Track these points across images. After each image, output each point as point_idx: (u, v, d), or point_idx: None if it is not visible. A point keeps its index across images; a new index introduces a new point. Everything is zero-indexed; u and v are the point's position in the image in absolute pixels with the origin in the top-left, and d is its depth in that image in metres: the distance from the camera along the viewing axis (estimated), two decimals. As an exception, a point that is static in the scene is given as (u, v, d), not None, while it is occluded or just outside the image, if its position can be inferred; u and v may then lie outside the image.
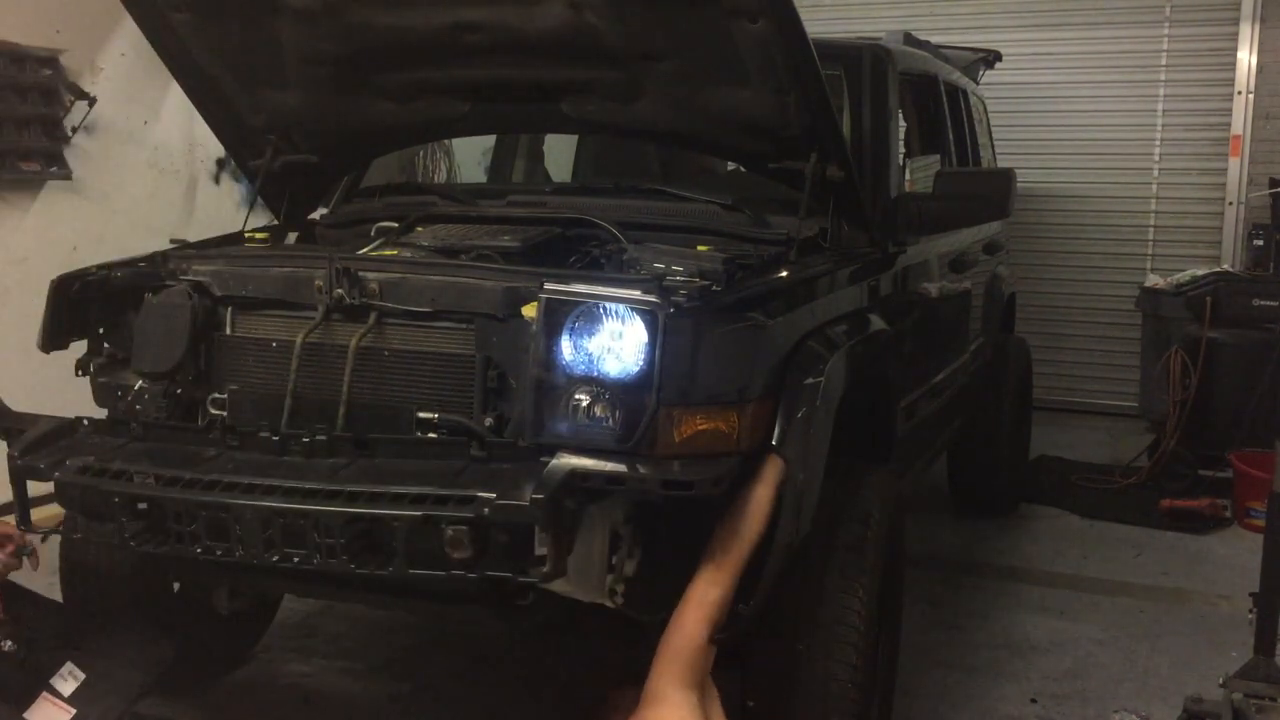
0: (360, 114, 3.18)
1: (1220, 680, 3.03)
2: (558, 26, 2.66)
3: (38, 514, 2.53)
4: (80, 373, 2.78)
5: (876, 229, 3.25)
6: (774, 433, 2.33)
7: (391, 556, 2.15)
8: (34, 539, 2.74)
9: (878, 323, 3.02)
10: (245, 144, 3.36)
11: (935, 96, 4.36)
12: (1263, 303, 5.71)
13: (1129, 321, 6.73)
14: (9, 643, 2.76)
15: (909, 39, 4.58)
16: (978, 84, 5.75)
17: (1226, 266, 6.66)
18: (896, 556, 2.89)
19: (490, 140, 4.65)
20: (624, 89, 2.88)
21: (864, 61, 3.59)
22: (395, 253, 2.76)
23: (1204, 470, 5.57)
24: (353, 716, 3.38)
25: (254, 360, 2.62)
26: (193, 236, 3.30)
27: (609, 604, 2.33)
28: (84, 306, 2.75)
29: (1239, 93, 6.91)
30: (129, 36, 4.60)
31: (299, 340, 2.49)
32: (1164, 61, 7.08)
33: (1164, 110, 7.12)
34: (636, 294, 2.22)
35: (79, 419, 2.54)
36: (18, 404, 2.68)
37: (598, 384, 2.20)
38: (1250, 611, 3.15)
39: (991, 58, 6.28)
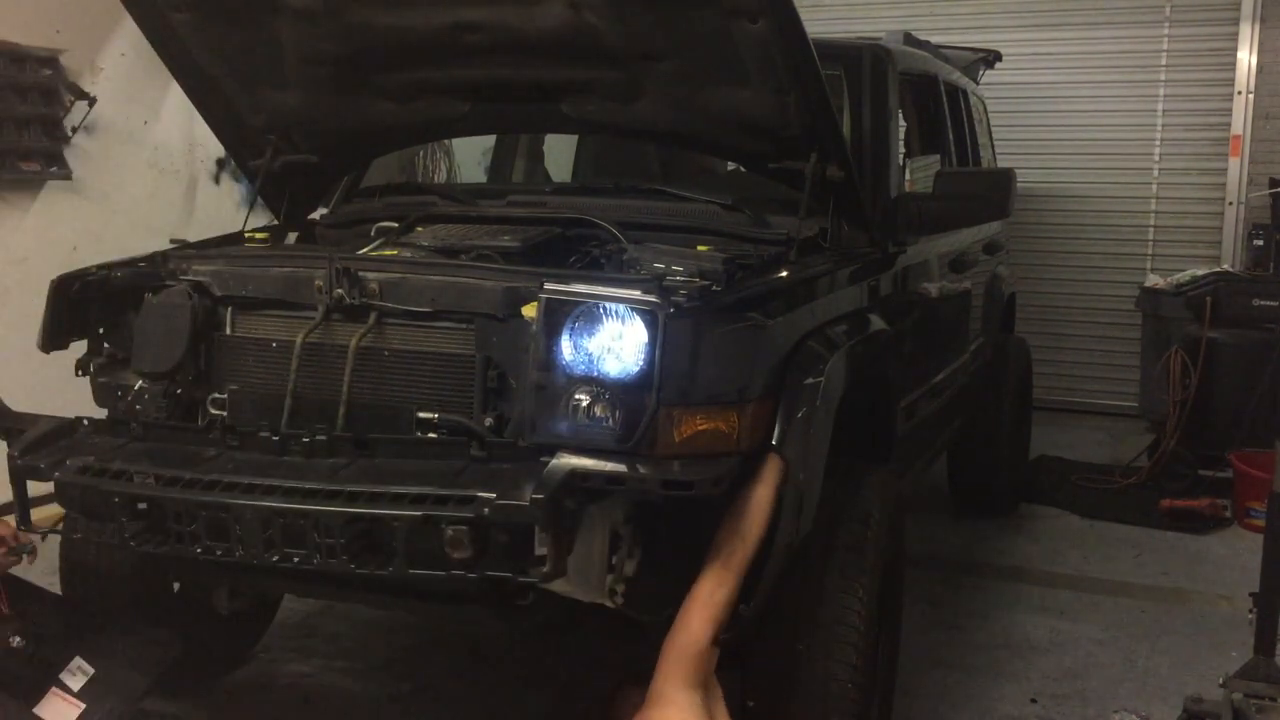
0: (360, 114, 3.18)
1: (1220, 680, 3.04)
2: (558, 26, 2.66)
3: (38, 514, 2.53)
4: (80, 373, 2.78)
5: (876, 229, 3.25)
6: (774, 433, 2.33)
7: (391, 556, 2.15)
8: (35, 539, 2.74)
9: (878, 323, 3.02)
10: (245, 144, 3.36)
11: (935, 96, 4.36)
12: (1263, 303, 5.71)
13: (1129, 321, 6.72)
14: (17, 639, 2.77)
15: (909, 39, 4.58)
16: (978, 84, 5.75)
17: (1226, 266, 6.66)
18: (896, 556, 2.89)
19: (490, 140, 4.65)
20: (624, 89, 2.88)
21: (864, 61, 3.59)
22: (395, 253, 2.76)
23: (1204, 470, 5.57)
24: (353, 716, 3.38)
25: (254, 360, 2.62)
26: (193, 236, 3.30)
27: (609, 604, 2.33)
28: (84, 306, 2.75)
29: (1239, 93, 6.91)
30: (129, 36, 4.60)
31: (299, 340, 2.49)
32: (1164, 61, 7.08)
33: (1164, 110, 7.12)
34: (636, 294, 2.22)
35: (79, 419, 2.54)
36: (18, 404, 2.68)
37: (598, 384, 2.20)
38: (1250, 611, 3.15)
39: (991, 58, 6.28)
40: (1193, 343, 5.70)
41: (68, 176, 4.92)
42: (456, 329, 2.44)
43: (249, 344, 2.64)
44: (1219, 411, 5.66)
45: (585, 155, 4.64)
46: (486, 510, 2.09)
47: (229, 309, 2.67)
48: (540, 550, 2.12)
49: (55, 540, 2.75)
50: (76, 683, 2.78)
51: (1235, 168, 6.95)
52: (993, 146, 5.58)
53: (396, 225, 3.07)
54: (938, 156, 4.25)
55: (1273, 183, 6.67)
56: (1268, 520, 3.09)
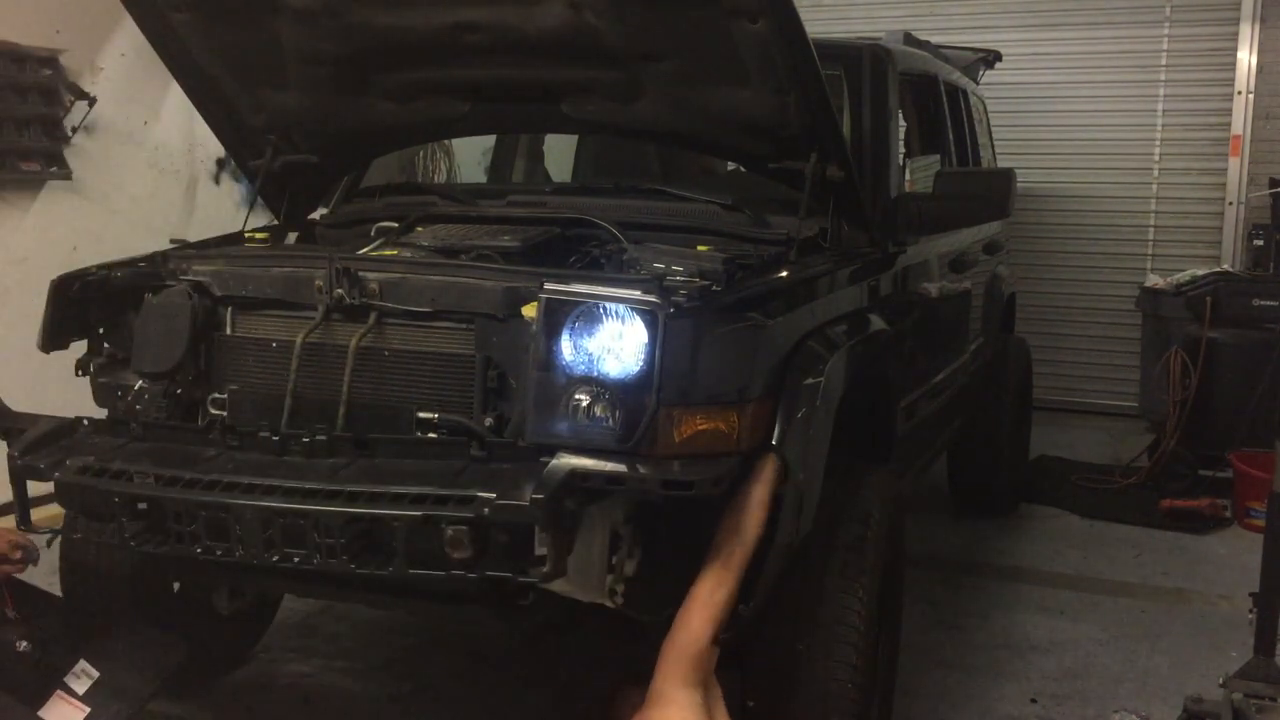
0: (360, 114, 3.18)
1: (1220, 680, 3.04)
2: (558, 26, 2.66)
3: (38, 514, 2.53)
4: (80, 373, 2.78)
5: (876, 229, 3.25)
6: (774, 433, 2.33)
7: (391, 556, 2.15)
8: (38, 540, 2.74)
9: (878, 323, 3.02)
10: (245, 144, 3.36)
11: (935, 96, 4.36)
12: (1263, 303, 5.70)
13: (1129, 321, 6.72)
14: (24, 643, 2.77)
15: (909, 39, 4.57)
16: (978, 84, 5.75)
17: (1226, 266, 6.66)
18: (896, 556, 2.89)
19: (490, 140, 4.64)
20: (624, 89, 2.88)
21: (864, 61, 3.59)
22: (395, 253, 2.76)
23: (1204, 470, 5.57)
24: (353, 716, 3.38)
25: (254, 360, 2.62)
26: (193, 236, 3.30)
27: (609, 604, 2.33)
28: (84, 306, 2.75)
29: (1239, 93, 6.91)
30: (129, 36, 4.60)
31: (299, 340, 2.49)
32: (1164, 61, 7.08)
33: (1164, 110, 7.12)
34: (636, 294, 2.22)
35: (79, 419, 2.54)
36: (18, 404, 2.68)
37: (598, 384, 2.20)
38: (1250, 611, 3.15)
39: (991, 58, 6.28)
40: (1193, 343, 5.69)
41: (68, 176, 4.92)
42: (456, 329, 2.44)
43: (249, 344, 2.64)
44: (1219, 411, 5.66)
45: (585, 155, 4.64)
46: (486, 510, 2.09)
47: (229, 309, 2.67)
48: (540, 550, 2.12)
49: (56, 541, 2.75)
50: (81, 686, 2.78)
51: (1235, 168, 6.95)
52: (993, 146, 5.58)
53: (396, 225, 3.07)
54: (938, 156, 4.25)
55: (1273, 183, 6.67)
56: (1268, 520, 3.09)
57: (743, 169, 3.92)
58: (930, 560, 4.62)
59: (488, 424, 2.35)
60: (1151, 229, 7.23)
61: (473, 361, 2.39)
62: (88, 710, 2.76)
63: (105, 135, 5.11)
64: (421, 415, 2.40)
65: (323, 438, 2.32)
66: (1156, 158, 7.18)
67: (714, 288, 2.38)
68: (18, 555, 2.86)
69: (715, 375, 2.26)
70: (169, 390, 2.63)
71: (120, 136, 5.20)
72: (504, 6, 2.68)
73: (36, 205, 4.86)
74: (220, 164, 5.68)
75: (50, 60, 4.80)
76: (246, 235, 3.20)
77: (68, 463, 2.38)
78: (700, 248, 2.78)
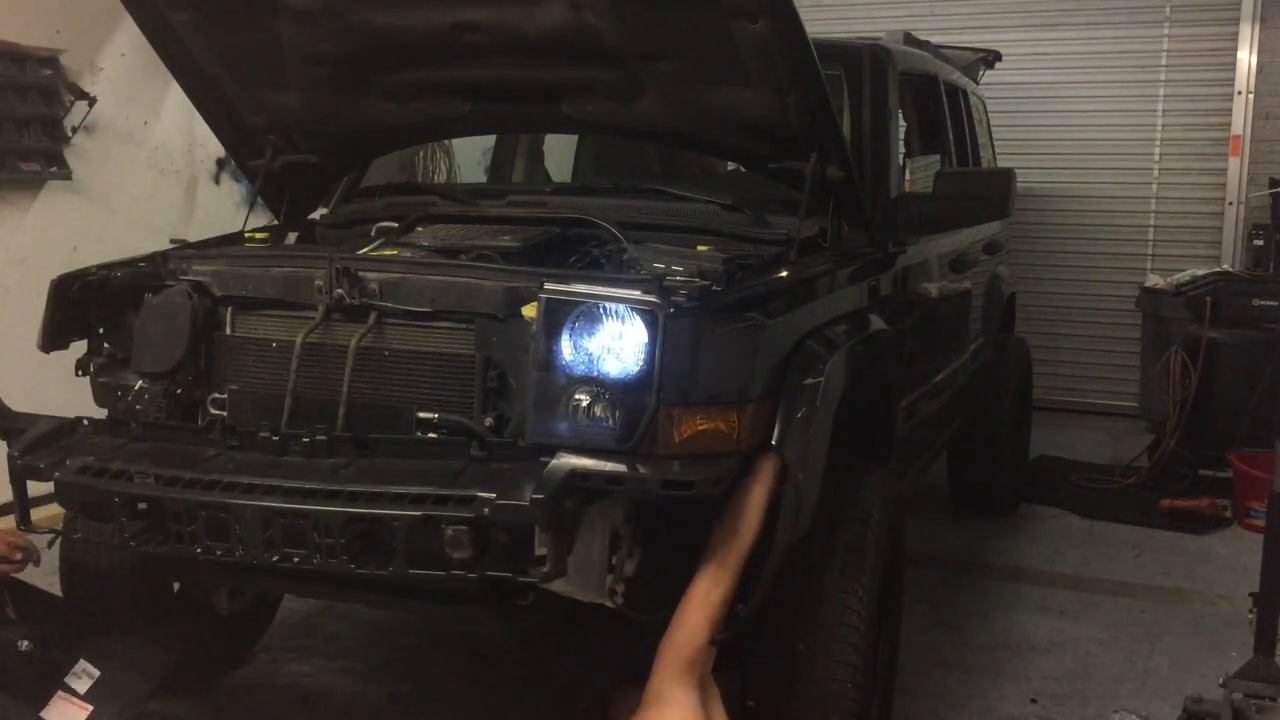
0: (360, 114, 3.18)
1: (1220, 680, 3.03)
2: (558, 26, 2.66)
3: (38, 514, 2.53)
4: (80, 373, 2.78)
5: (876, 229, 3.25)
6: (774, 433, 2.33)
7: (391, 556, 2.15)
8: (37, 540, 2.74)
9: (878, 323, 3.02)
10: (245, 144, 3.36)
11: (935, 96, 4.36)
12: (1263, 303, 5.70)
13: (1129, 321, 6.72)
14: (25, 643, 2.78)
15: (909, 39, 4.58)
16: (978, 84, 5.75)
17: (1226, 266, 6.66)
18: (896, 556, 2.89)
19: (490, 140, 4.65)
20: (624, 89, 2.88)
21: (864, 61, 3.59)
22: (395, 253, 2.76)
23: (1204, 470, 5.57)
24: (353, 716, 3.38)
25: (254, 360, 2.62)
26: (193, 236, 3.30)
27: (609, 604, 2.33)
28: (84, 306, 2.75)
29: (1239, 93, 6.91)
30: (129, 36, 4.60)
31: (299, 340, 2.49)
32: (1164, 61, 7.08)
33: (1164, 110, 7.11)
34: (636, 294, 2.22)
35: (79, 419, 2.54)
36: (18, 404, 2.68)
37: (598, 384, 2.20)
38: (1250, 611, 3.15)
39: (991, 58, 6.28)
40: (1193, 343, 5.69)
41: (68, 176, 4.92)
42: (456, 329, 2.44)
43: (249, 344, 2.64)
44: (1219, 411, 5.66)
45: (585, 155, 4.64)
46: (486, 510, 2.09)
47: (229, 309, 2.67)
48: (540, 550, 2.12)
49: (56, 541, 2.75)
50: (82, 685, 2.79)
51: (1235, 168, 6.95)
52: (993, 146, 5.58)
53: (396, 225, 3.07)
54: (938, 156, 4.25)
55: (1273, 183, 6.67)
56: (1268, 520, 3.09)
57: (743, 169, 3.92)
58: (930, 560, 4.62)
59: (488, 424, 2.35)
60: (1151, 229, 7.23)
61: (473, 361, 2.39)
62: (90, 709, 2.77)
63: (105, 135, 5.11)
64: (421, 415, 2.40)
65: (323, 438, 2.32)
66: (1156, 158, 7.18)
67: (714, 288, 2.38)
68: (18, 556, 2.86)
69: (715, 375, 2.26)
70: (169, 390, 2.63)
71: (120, 136, 5.20)
72: (504, 6, 2.68)
73: (36, 205, 4.86)
74: (220, 164, 5.68)
75: (50, 60, 4.80)
76: (246, 235, 3.20)
77: (68, 463, 2.39)
78: (700, 248, 2.78)
